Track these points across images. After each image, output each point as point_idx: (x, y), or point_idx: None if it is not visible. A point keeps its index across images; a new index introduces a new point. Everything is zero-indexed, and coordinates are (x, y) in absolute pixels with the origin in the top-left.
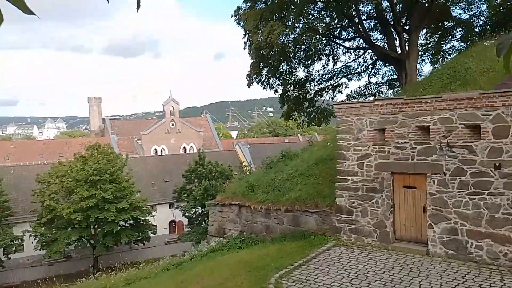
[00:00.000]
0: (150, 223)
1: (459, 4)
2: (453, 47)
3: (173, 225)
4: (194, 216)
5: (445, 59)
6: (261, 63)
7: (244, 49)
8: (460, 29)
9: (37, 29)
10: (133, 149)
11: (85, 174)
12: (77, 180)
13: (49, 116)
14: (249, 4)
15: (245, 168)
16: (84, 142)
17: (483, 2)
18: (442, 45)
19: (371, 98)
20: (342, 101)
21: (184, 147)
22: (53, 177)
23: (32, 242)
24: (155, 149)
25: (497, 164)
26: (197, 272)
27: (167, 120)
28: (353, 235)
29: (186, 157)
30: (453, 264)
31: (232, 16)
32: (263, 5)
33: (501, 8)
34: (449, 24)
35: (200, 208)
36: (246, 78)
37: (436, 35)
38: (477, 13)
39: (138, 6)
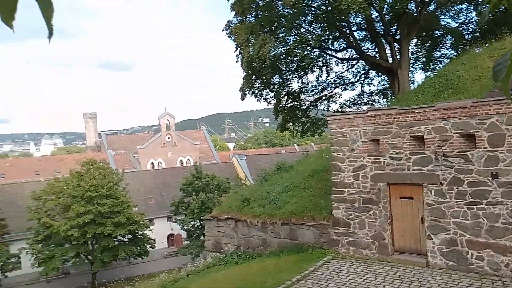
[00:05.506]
0: (148, 237)
1: (448, 13)
2: (444, 55)
3: (172, 238)
4: (192, 229)
5: (437, 67)
6: (254, 76)
7: (236, 62)
8: (450, 37)
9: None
10: (130, 163)
11: (81, 190)
12: (73, 196)
13: (46, 133)
14: (240, 18)
15: (242, 180)
16: (80, 158)
17: (471, 11)
18: (433, 53)
19: (365, 108)
20: (335, 111)
21: (181, 160)
22: (49, 194)
23: (30, 260)
24: (151, 163)
25: (494, 173)
26: None
27: (163, 134)
28: (351, 247)
29: (183, 170)
30: (454, 276)
31: (223, 30)
32: (254, 18)
33: (490, 15)
34: (439, 32)
35: (198, 221)
36: (240, 90)
37: (427, 44)
38: (466, 21)
39: (51, 35)
